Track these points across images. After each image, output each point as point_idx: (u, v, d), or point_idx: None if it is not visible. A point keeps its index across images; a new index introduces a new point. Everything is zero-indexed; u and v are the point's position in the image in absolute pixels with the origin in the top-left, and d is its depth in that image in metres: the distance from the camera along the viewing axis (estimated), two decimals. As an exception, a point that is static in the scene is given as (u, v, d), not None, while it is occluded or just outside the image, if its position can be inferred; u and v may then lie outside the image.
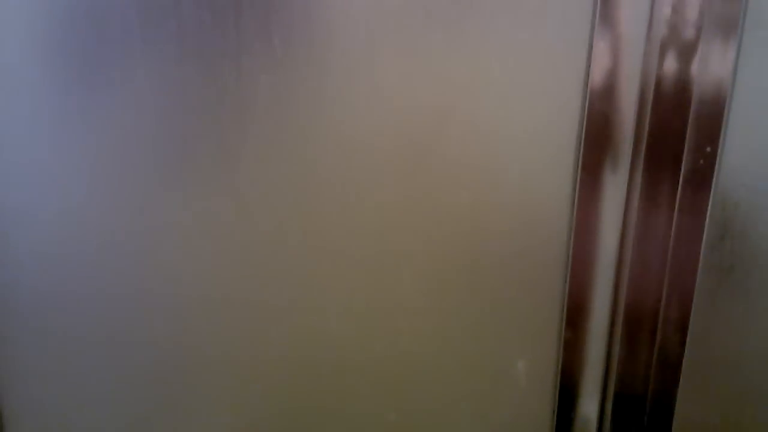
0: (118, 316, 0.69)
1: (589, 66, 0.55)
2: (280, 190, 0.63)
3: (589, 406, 0.66)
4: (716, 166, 0.56)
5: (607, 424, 0.66)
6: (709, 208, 0.57)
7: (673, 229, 0.58)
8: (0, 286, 0.69)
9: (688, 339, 0.61)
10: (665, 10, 0.53)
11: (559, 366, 0.65)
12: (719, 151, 0.55)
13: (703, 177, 0.56)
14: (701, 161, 0.56)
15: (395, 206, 0.62)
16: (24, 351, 0.71)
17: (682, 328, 0.61)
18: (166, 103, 0.61)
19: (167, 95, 0.61)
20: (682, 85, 0.54)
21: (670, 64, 0.54)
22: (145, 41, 0.59)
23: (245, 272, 0.66)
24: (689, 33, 0.53)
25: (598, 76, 0.55)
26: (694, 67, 0.53)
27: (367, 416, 0.70)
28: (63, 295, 0.69)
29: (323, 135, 0.61)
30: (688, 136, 0.55)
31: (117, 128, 0.62)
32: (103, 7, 0.59)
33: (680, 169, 0.56)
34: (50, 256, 0.67)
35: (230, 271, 0.66)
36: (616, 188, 0.58)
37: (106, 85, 0.61)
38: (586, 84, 0.56)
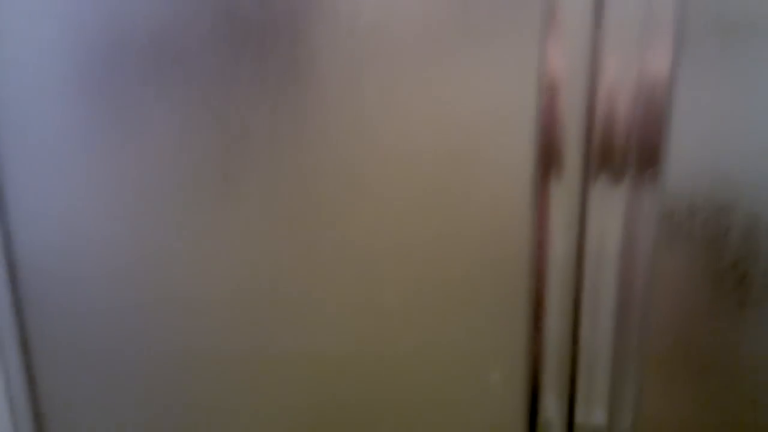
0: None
1: (540, 82, 0.58)
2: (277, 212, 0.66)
3: (556, 412, 0.68)
4: (661, 174, 0.59)
5: (575, 429, 0.68)
6: (658, 214, 0.60)
7: (623, 234, 0.61)
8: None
9: (648, 335, 0.64)
10: (610, 25, 0.56)
11: (530, 373, 0.67)
12: (664, 159, 0.58)
13: (650, 184, 0.59)
14: (648, 170, 0.59)
15: (374, 223, 0.65)
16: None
17: (642, 326, 0.64)
18: (177, 140, 0.64)
19: (178, 133, 0.64)
20: (624, 99, 0.57)
21: (611, 77, 0.57)
22: (157, 79, 0.62)
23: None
24: (629, 49, 0.56)
25: (545, 93, 0.58)
26: (635, 79, 0.57)
27: (341, 423, 0.72)
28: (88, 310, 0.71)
29: (319, 163, 0.64)
30: (632, 147, 0.58)
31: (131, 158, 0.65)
32: (120, 50, 0.62)
33: (626, 178, 0.59)
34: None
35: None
36: (568, 197, 0.61)
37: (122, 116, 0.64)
38: (537, 100, 0.59)
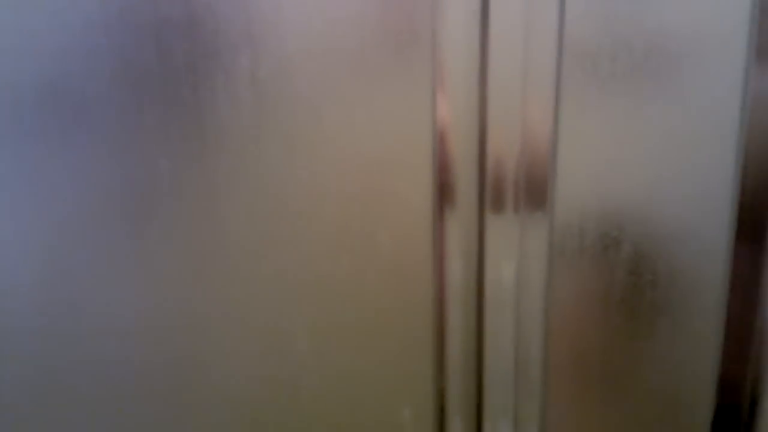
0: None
1: (433, 128, 0.61)
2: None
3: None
4: (550, 208, 0.62)
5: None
6: (550, 245, 0.63)
7: (519, 264, 0.64)
8: None
9: (548, 356, 0.66)
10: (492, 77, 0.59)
11: (438, 403, 0.69)
12: (551, 195, 0.61)
13: (540, 217, 0.62)
14: (537, 204, 0.62)
15: (282, 262, 0.66)
16: None
17: (543, 347, 0.66)
18: (79, 190, 0.64)
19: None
20: (511, 140, 0.60)
21: (498, 121, 0.60)
22: (56, 130, 0.63)
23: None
24: (513, 96, 0.59)
25: (439, 137, 0.61)
26: (520, 123, 0.60)
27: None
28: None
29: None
30: (520, 184, 0.61)
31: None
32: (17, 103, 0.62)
33: (517, 212, 0.62)
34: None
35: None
36: (464, 230, 0.64)
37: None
38: (432, 144, 0.62)
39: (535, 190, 0.61)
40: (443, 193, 0.63)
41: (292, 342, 0.69)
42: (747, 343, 0.64)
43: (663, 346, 0.64)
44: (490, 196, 0.62)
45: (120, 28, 0.60)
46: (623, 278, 0.63)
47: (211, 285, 0.67)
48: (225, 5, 0.59)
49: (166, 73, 0.61)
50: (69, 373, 0.70)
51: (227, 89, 0.61)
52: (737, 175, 0.58)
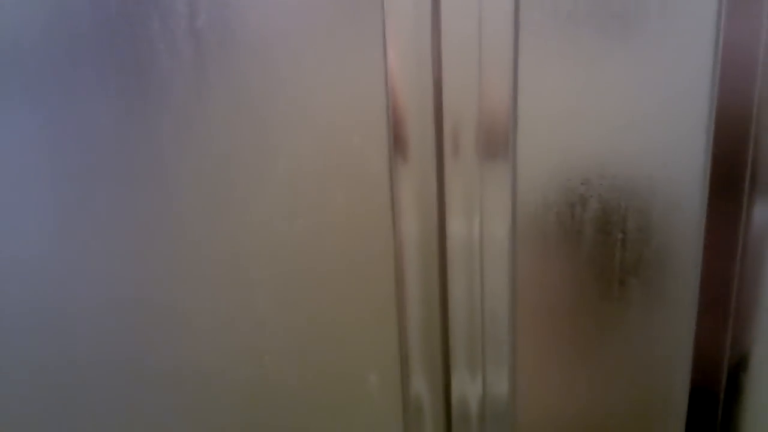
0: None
1: (386, 83, 0.57)
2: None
3: (430, 392, 0.67)
4: (512, 161, 0.58)
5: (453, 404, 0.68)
6: (513, 203, 0.59)
7: (482, 220, 0.60)
8: None
9: (515, 319, 0.63)
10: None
11: (407, 378, 0.66)
12: (512, 143, 0.57)
13: (501, 171, 0.58)
14: (497, 157, 0.58)
15: (240, 227, 0.64)
16: None
17: (511, 307, 0.63)
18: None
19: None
20: (469, 90, 0.56)
21: (452, 71, 0.56)
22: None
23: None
24: (469, 47, 0.55)
25: (392, 91, 0.57)
26: (477, 72, 0.55)
27: None
28: None
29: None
30: (481, 135, 0.57)
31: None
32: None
33: (479, 165, 0.58)
34: None
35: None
36: (422, 183, 0.60)
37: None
38: (386, 98, 0.57)
39: (494, 142, 0.57)
40: (399, 147, 0.59)
41: (251, 309, 0.66)
42: (724, 308, 0.60)
43: (634, 309, 0.60)
44: (449, 149, 0.58)
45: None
46: (591, 236, 0.59)
47: (159, 250, 0.64)
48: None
49: (100, 23, 0.58)
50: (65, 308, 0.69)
51: (165, 39, 0.58)
52: (710, 125, 0.53)
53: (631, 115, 0.54)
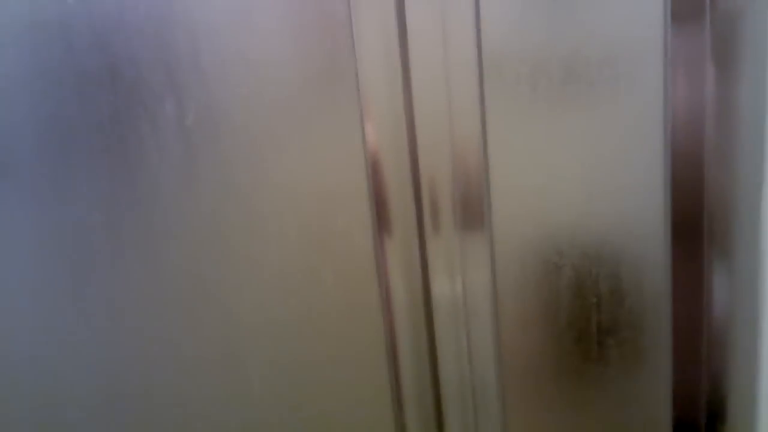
0: None
1: (366, 157, 0.61)
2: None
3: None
4: (488, 218, 0.61)
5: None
6: (492, 264, 0.62)
7: (465, 283, 0.63)
8: None
9: (504, 380, 0.66)
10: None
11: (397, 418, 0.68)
12: (487, 212, 0.61)
13: (479, 236, 0.62)
14: (475, 222, 0.61)
15: (234, 299, 0.66)
16: None
17: (498, 363, 0.65)
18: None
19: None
20: (443, 162, 0.60)
21: (427, 144, 0.60)
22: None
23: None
24: (441, 119, 0.59)
25: (371, 165, 0.61)
26: (449, 144, 0.60)
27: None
28: None
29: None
30: (457, 204, 0.61)
31: None
32: None
33: (457, 231, 0.62)
34: None
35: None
36: (405, 251, 0.63)
37: None
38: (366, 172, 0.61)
39: (471, 215, 0.61)
40: (381, 221, 0.62)
41: (246, 387, 0.68)
42: (698, 352, 0.64)
43: (613, 369, 0.63)
44: (428, 219, 0.62)
45: (41, 83, 0.60)
46: (568, 301, 0.62)
47: (152, 337, 0.66)
48: (144, 53, 0.59)
49: (91, 126, 0.61)
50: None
51: (155, 138, 0.61)
52: (668, 185, 0.58)
53: (592, 185, 0.59)
